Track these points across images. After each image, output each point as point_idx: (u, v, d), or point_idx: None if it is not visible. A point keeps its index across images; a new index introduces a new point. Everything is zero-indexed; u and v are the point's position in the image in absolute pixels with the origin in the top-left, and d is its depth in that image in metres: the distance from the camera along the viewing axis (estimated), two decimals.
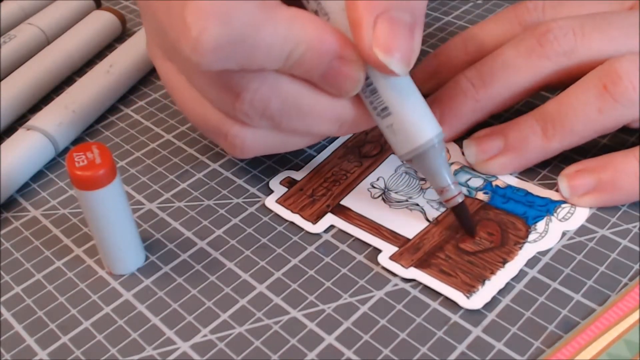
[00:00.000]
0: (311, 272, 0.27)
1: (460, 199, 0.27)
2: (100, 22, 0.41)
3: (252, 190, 0.31)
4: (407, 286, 0.26)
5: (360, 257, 0.27)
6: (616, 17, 0.29)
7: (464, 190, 0.29)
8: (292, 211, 0.29)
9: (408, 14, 0.24)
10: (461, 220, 0.27)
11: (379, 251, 0.27)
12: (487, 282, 0.26)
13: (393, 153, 0.31)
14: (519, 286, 0.26)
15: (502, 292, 0.25)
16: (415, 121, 0.25)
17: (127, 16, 0.45)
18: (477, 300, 0.25)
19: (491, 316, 0.25)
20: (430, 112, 0.26)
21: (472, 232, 0.27)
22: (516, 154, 0.29)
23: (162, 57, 0.28)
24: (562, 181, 0.28)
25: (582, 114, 0.28)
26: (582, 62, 0.29)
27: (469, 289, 0.25)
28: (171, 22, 0.23)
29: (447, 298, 0.25)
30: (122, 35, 0.43)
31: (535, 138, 0.29)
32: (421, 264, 0.26)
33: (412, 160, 0.26)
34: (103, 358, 0.24)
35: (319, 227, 0.28)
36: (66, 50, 0.39)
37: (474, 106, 0.30)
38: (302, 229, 0.28)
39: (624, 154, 0.28)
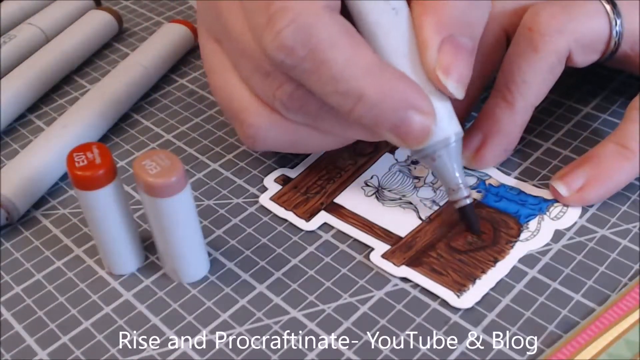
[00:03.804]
0: (311, 272, 0.27)
1: (469, 201, 0.27)
2: (97, 21, 0.41)
3: (252, 190, 0.31)
4: (407, 286, 0.26)
5: (360, 257, 0.27)
6: None
7: None
8: (285, 208, 0.29)
9: (469, 38, 0.25)
10: (467, 221, 0.27)
11: (372, 249, 0.27)
12: (477, 281, 0.26)
13: (388, 151, 0.31)
14: (519, 286, 0.26)
15: (502, 292, 0.25)
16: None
17: (125, 16, 0.45)
18: (468, 299, 0.25)
19: (491, 316, 0.25)
20: (452, 110, 0.26)
21: (478, 232, 0.27)
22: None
23: (208, 37, 0.29)
24: (555, 181, 0.29)
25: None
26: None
27: (459, 288, 0.25)
28: (256, 7, 0.24)
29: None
30: (118, 34, 0.43)
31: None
32: (413, 263, 0.26)
33: (426, 157, 0.26)
34: (103, 358, 0.24)
35: (312, 225, 0.28)
36: (62, 49, 0.39)
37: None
38: (302, 229, 0.28)
39: (602, 144, 0.29)
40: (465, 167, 0.30)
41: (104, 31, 0.42)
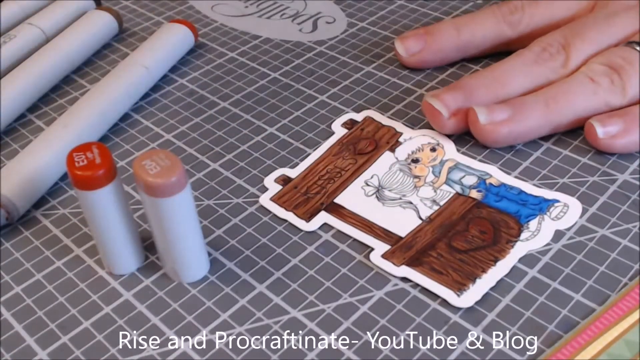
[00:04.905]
0: (311, 272, 0.27)
1: None
2: (97, 21, 0.41)
3: (252, 190, 0.31)
4: (407, 286, 0.26)
5: (360, 257, 0.27)
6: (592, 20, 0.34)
7: (458, 188, 0.29)
8: (286, 209, 0.29)
9: None
10: None
11: (372, 249, 0.27)
12: (478, 280, 0.26)
13: (388, 149, 0.31)
14: (519, 286, 0.26)
15: (502, 292, 0.25)
16: None
17: (125, 16, 0.45)
18: (468, 298, 0.25)
19: (491, 316, 0.25)
20: None
21: None
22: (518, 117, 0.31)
23: None
24: (597, 125, 0.30)
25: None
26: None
27: (459, 287, 0.25)
28: None
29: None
30: (119, 34, 0.43)
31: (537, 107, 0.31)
32: (413, 262, 0.26)
33: None
34: (103, 358, 0.24)
35: (312, 225, 0.28)
36: (62, 49, 0.39)
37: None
38: (302, 230, 0.28)
39: None
40: (466, 166, 0.30)
41: (104, 31, 0.41)
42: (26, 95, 0.36)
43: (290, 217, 0.29)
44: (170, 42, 0.39)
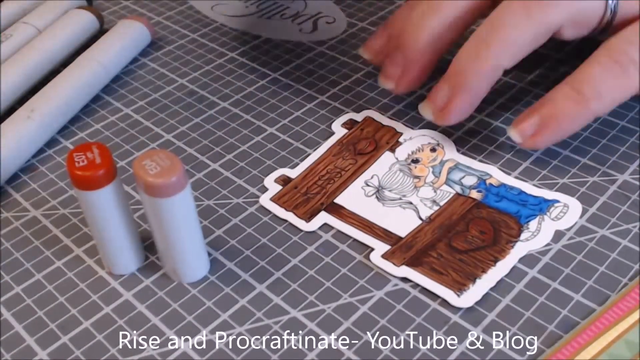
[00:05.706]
0: (311, 272, 0.27)
1: None
2: (77, 20, 0.41)
3: (252, 190, 0.31)
4: (407, 286, 0.26)
5: (360, 257, 0.27)
6: None
7: (458, 188, 0.29)
8: (286, 209, 0.29)
9: None
10: None
11: (372, 249, 0.27)
12: (478, 280, 0.26)
13: (388, 149, 0.31)
14: (519, 286, 0.26)
15: (502, 292, 0.25)
16: None
17: (125, 16, 0.45)
18: (468, 298, 0.25)
19: (491, 316, 0.25)
20: None
21: None
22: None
23: None
24: (510, 129, 0.30)
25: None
26: None
27: (459, 287, 0.25)
28: None
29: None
30: (99, 32, 0.42)
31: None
32: (413, 263, 0.26)
33: None
34: (103, 358, 0.24)
35: (312, 225, 0.28)
36: (42, 49, 0.38)
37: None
38: (302, 230, 0.28)
39: (557, 87, 0.29)
40: (466, 166, 0.30)
41: (84, 30, 0.41)
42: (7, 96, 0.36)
43: (290, 217, 0.29)
44: (124, 38, 0.40)
